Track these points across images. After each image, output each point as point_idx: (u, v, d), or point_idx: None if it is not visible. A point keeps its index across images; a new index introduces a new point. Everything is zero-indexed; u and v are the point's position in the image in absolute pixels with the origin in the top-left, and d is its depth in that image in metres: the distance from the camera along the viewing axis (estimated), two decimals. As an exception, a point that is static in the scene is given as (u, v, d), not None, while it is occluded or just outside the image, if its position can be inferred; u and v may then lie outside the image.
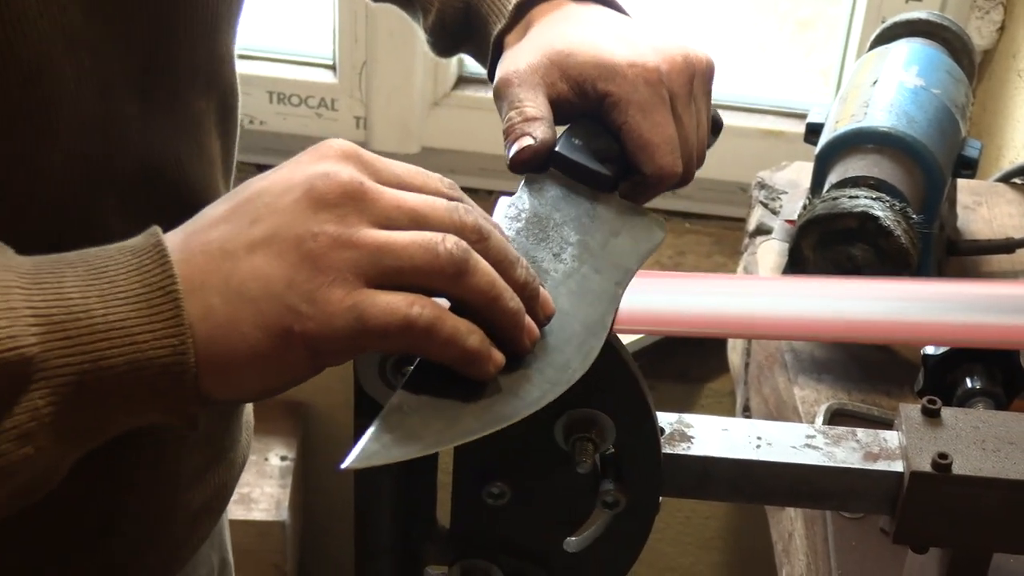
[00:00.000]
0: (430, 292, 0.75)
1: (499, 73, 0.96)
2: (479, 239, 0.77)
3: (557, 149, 0.92)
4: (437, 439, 0.76)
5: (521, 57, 0.96)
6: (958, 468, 0.88)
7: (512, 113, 0.93)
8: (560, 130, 0.94)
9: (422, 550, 0.92)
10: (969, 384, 1.15)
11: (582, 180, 0.91)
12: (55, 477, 0.75)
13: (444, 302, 0.77)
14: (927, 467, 0.88)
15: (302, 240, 0.74)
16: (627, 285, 0.86)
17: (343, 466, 0.74)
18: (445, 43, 1.11)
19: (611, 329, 0.82)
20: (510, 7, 1.01)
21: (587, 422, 0.85)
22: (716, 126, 1.05)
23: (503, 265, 0.77)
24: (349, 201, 0.75)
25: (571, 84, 0.94)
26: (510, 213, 0.88)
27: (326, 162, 0.77)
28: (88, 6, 0.84)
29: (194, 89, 0.96)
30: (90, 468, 0.94)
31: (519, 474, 0.88)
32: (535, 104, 0.93)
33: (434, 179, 0.80)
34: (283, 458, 2.12)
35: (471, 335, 0.76)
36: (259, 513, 2.06)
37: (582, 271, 0.85)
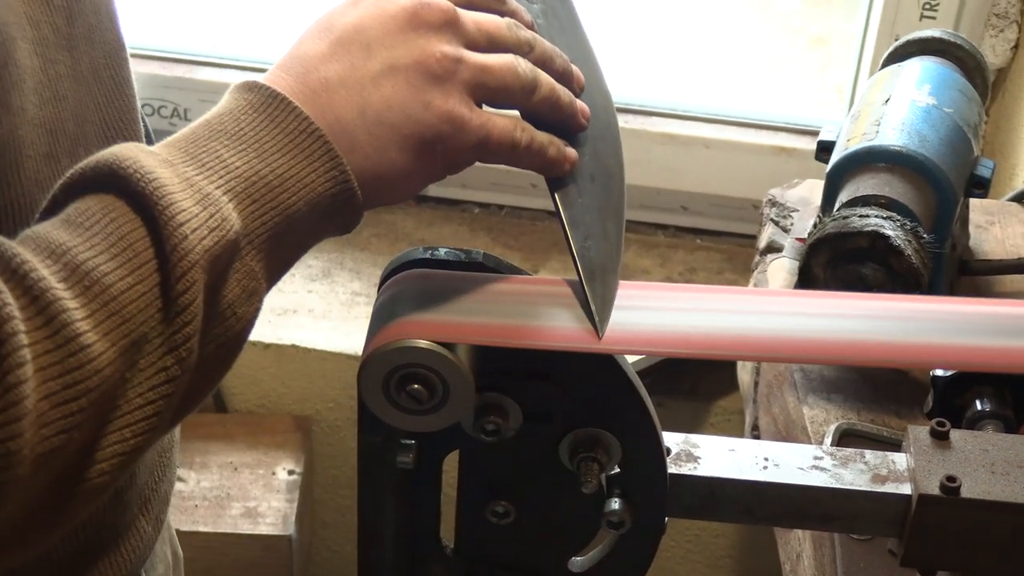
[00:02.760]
0: (509, 104, 0.89)
1: None
2: (531, 49, 0.90)
3: None
4: (616, 257, 0.90)
5: None
6: (967, 491, 0.87)
7: None
8: None
9: (426, 568, 0.92)
10: (979, 406, 1.14)
11: None
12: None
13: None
14: (935, 490, 0.87)
15: (423, 63, 0.84)
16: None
17: (602, 337, 0.84)
18: None
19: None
20: None
21: (592, 442, 0.85)
22: None
23: (547, 63, 0.91)
24: (448, 26, 0.86)
25: None
26: None
27: None
28: None
29: (100, 23, 0.95)
30: None
31: (524, 493, 0.88)
32: None
33: None
34: (290, 472, 2.12)
35: (551, 146, 0.90)
36: (266, 527, 2.06)
37: (548, 2, 0.98)
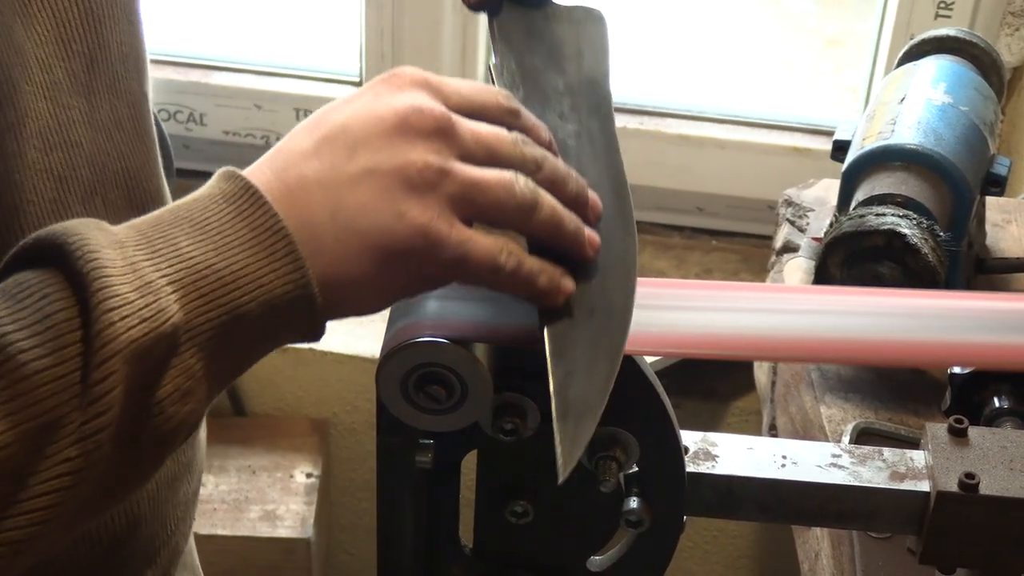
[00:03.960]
0: (503, 226, 0.82)
1: None
2: (538, 168, 0.83)
3: None
4: (600, 398, 0.80)
5: None
6: (985, 488, 0.87)
7: None
8: None
9: (445, 569, 0.92)
10: (997, 403, 1.14)
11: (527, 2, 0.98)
12: (200, 421, 0.80)
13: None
14: (954, 487, 0.87)
15: (405, 171, 0.78)
16: (613, 113, 0.93)
17: (561, 482, 0.77)
18: None
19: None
20: None
21: (611, 441, 0.85)
22: None
23: (558, 185, 0.84)
24: (440, 134, 0.80)
25: None
26: (506, 81, 0.93)
27: (407, 92, 0.81)
28: (22, 14, 0.84)
29: (127, 72, 0.95)
30: None
31: (542, 493, 0.88)
32: None
33: (493, 94, 0.85)
34: (308, 475, 2.12)
35: (542, 275, 0.82)
36: (284, 530, 2.06)
37: (584, 124, 0.92)
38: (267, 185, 0.78)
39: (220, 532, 2.03)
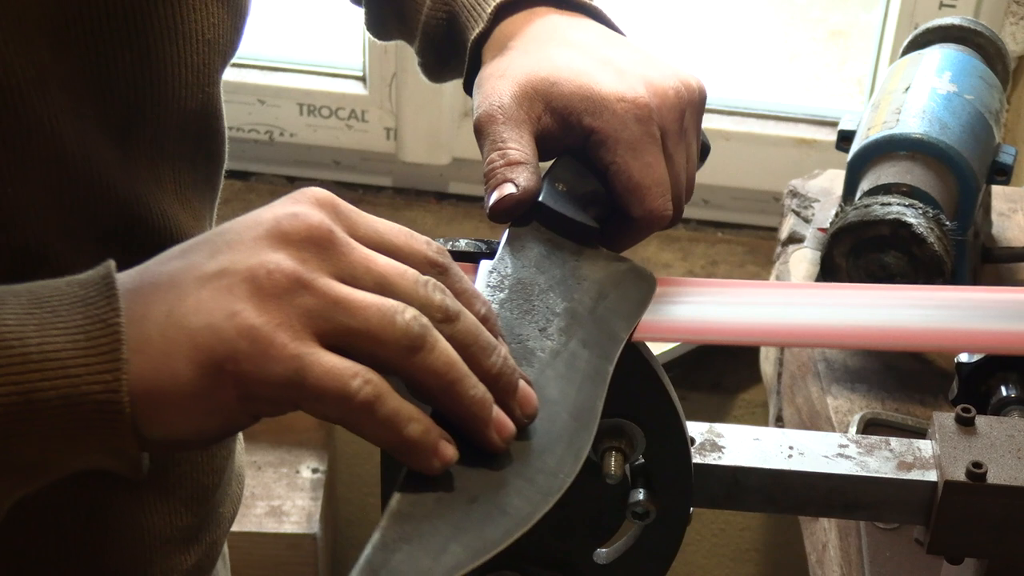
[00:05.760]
0: (381, 365, 0.70)
1: (481, 107, 0.90)
2: (445, 319, 0.71)
3: (540, 199, 0.87)
4: None
5: (504, 88, 0.90)
6: (993, 477, 0.86)
7: (494, 155, 0.87)
8: (543, 166, 0.90)
9: (450, 562, 0.91)
10: (1004, 392, 1.14)
11: (566, 233, 0.87)
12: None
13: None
14: (961, 476, 0.87)
15: (254, 273, 0.69)
16: (616, 358, 0.80)
17: None
18: (433, 62, 1.06)
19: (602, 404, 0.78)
20: (489, 10, 0.96)
21: (617, 432, 0.85)
22: (704, 151, 1.00)
23: (471, 350, 0.72)
24: (313, 245, 0.70)
25: (556, 117, 0.89)
26: (493, 281, 0.83)
27: (300, 205, 0.72)
28: (57, 44, 0.81)
29: (182, 143, 0.92)
30: (73, 531, 0.93)
31: (548, 485, 0.87)
32: (519, 145, 0.87)
33: (419, 241, 0.75)
34: (314, 471, 2.12)
35: (412, 422, 0.69)
36: (290, 526, 2.06)
37: (570, 347, 0.80)
38: (127, 280, 0.71)
39: (226, 528, 2.03)
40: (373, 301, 0.69)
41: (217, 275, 0.69)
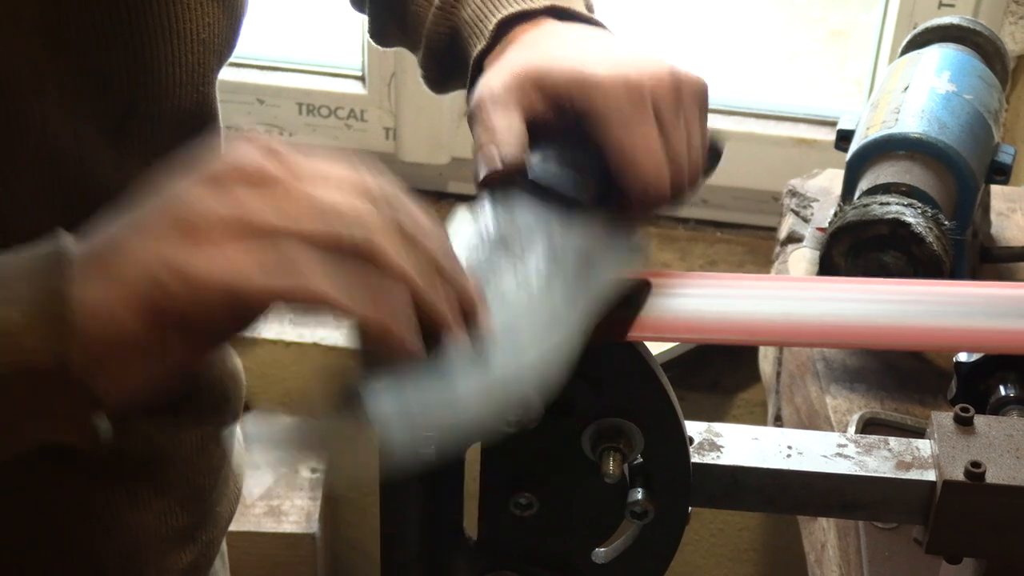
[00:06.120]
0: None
1: (473, 94, 0.91)
2: (399, 243, 0.71)
3: (530, 176, 0.87)
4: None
5: (496, 77, 0.90)
6: (992, 477, 0.86)
7: (484, 137, 0.88)
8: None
9: (449, 562, 0.92)
10: (1003, 392, 1.14)
11: (553, 205, 0.86)
12: None
13: None
14: (960, 476, 0.86)
15: (179, 214, 0.69)
16: (591, 314, 0.80)
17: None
18: (436, 74, 1.06)
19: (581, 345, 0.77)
20: (491, 27, 0.96)
21: (615, 432, 0.85)
22: (715, 153, 0.97)
23: (425, 273, 0.72)
24: (244, 183, 0.70)
25: (549, 102, 0.89)
26: (471, 237, 0.82)
27: (236, 151, 0.72)
28: (52, 40, 0.82)
29: (177, 143, 0.91)
30: (67, 528, 0.93)
31: (547, 484, 0.87)
32: (508, 125, 0.88)
33: (369, 178, 0.73)
34: (313, 470, 2.12)
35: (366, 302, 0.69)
36: (289, 525, 2.06)
37: (551, 299, 0.79)
38: (78, 247, 0.71)
39: (225, 527, 2.03)
40: (315, 227, 0.69)
41: (149, 223, 0.69)
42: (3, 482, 0.88)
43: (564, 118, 0.89)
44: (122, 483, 0.96)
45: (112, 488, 0.96)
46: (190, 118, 0.93)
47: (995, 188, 1.61)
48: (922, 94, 1.48)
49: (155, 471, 0.99)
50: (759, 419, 2.12)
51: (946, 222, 1.35)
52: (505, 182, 0.86)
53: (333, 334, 2.11)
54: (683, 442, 0.86)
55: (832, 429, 1.34)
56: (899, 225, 1.32)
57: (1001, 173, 1.49)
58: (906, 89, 1.50)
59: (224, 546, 1.18)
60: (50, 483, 0.76)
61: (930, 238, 1.31)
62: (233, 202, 0.69)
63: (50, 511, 0.93)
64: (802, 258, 1.61)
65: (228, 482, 1.10)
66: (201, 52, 0.90)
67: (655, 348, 0.88)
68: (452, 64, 1.03)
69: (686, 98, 0.91)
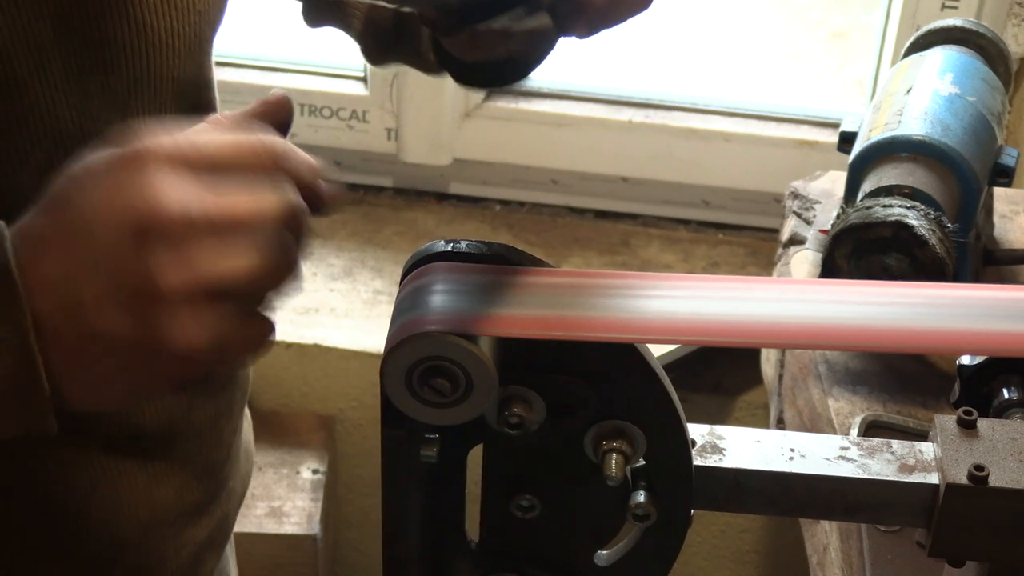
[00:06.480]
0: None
1: None
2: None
3: None
4: None
5: None
6: (995, 480, 0.86)
7: None
8: None
9: (451, 564, 0.91)
10: (1006, 395, 1.14)
11: None
12: None
13: None
14: (963, 479, 0.86)
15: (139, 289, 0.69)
16: None
17: None
18: (377, 47, 1.08)
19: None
20: None
21: (617, 434, 0.84)
22: None
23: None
24: (176, 233, 0.70)
25: None
26: None
27: (144, 184, 0.70)
28: (58, 21, 0.82)
29: (180, 112, 0.92)
30: (82, 503, 0.93)
31: (549, 487, 0.87)
32: None
33: (248, 151, 0.73)
34: (314, 471, 2.12)
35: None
36: (290, 527, 2.06)
37: None
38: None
39: (226, 529, 2.03)
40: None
41: (109, 294, 0.69)
42: (24, 462, 0.89)
43: None
44: (139, 459, 0.97)
45: (129, 464, 0.97)
46: (190, 90, 0.94)
47: (998, 190, 1.60)
48: (925, 96, 1.47)
49: (169, 446, 1.00)
50: (761, 421, 2.12)
51: (949, 224, 1.34)
52: None
53: (333, 335, 2.10)
54: (685, 444, 0.86)
55: (834, 432, 1.34)
56: (902, 227, 1.32)
57: (1004, 175, 1.49)
58: (909, 91, 1.49)
59: (232, 539, 1.19)
60: (69, 462, 0.77)
61: (933, 240, 1.31)
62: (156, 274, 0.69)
63: (69, 489, 0.93)
64: (804, 260, 1.60)
65: (239, 457, 1.12)
66: (197, 23, 0.92)
67: (657, 350, 0.88)
68: (394, 35, 1.05)
69: None
